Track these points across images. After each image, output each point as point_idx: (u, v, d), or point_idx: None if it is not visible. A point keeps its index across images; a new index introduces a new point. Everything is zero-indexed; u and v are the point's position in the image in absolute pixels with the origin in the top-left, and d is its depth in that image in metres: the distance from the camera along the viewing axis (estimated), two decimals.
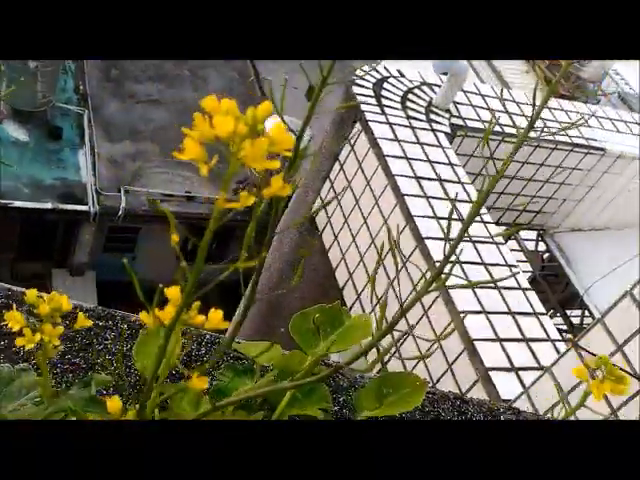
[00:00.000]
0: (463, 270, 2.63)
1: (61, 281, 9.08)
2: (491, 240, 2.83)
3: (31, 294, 0.57)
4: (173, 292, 0.48)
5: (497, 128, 3.59)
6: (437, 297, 2.56)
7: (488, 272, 2.78)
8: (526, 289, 2.82)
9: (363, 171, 3.19)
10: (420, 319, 2.63)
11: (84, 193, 8.19)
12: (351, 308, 3.23)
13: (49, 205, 7.87)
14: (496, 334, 2.48)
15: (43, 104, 8.68)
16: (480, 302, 2.53)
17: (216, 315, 0.48)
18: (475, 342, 2.37)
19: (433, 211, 2.91)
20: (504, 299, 2.61)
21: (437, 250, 2.71)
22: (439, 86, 3.53)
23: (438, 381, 2.56)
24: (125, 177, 8.81)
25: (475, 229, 2.92)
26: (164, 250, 10.04)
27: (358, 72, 3.46)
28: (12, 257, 8.82)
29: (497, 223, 3.96)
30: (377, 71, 3.52)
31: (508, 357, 2.36)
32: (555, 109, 4.06)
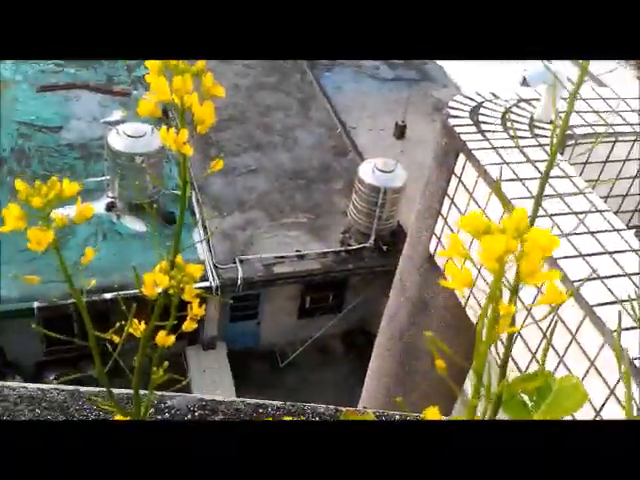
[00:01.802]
0: (606, 285, 2.48)
1: (195, 357, 9.44)
2: (629, 248, 2.66)
3: None
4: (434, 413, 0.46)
5: (607, 129, 3.42)
6: (584, 316, 2.42)
7: (632, 282, 2.61)
8: None
9: (476, 201, 3.12)
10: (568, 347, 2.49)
11: (204, 269, 8.55)
12: None
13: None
14: None
15: (154, 194, 9.24)
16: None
17: None
18: (636, 361, 2.21)
19: (559, 229, 2.78)
20: None
21: (570, 268, 2.58)
22: (537, 100, 3.43)
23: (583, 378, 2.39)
24: (238, 247, 9.13)
25: (609, 239, 2.76)
26: (285, 310, 10.24)
27: (452, 103, 3.44)
28: None
29: (627, 227, 3.74)
30: (470, 98, 3.47)
31: None
32: None
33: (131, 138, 8.82)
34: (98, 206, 9.39)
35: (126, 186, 9.14)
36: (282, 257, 9.19)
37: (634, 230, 3.84)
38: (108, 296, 7.85)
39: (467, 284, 0.40)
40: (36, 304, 7.77)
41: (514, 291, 0.41)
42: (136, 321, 0.60)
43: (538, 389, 0.56)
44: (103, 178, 9.50)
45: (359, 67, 13.80)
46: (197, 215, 9.23)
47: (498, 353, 0.48)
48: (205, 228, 9.05)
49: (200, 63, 0.57)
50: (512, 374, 0.62)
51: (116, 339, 0.61)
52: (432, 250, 3.56)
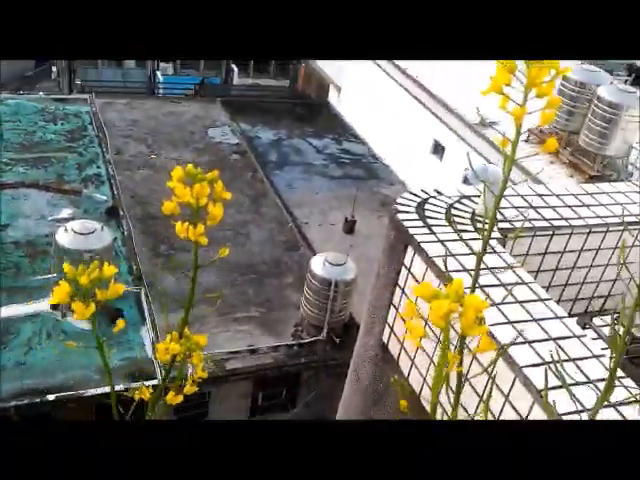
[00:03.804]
0: (553, 371, 2.57)
1: None
2: (572, 334, 2.78)
3: None
4: None
5: (545, 224, 3.63)
6: (533, 403, 2.49)
7: (577, 367, 2.71)
8: (620, 377, 2.72)
9: None
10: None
11: (152, 367, 8.34)
12: None
13: (121, 386, 8.01)
14: None
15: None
16: (580, 402, 2.44)
17: None
18: None
19: (505, 316, 2.89)
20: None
21: (516, 356, 2.67)
22: (478, 196, 3.64)
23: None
24: None
25: (552, 326, 2.88)
26: (237, 409, 9.97)
27: (399, 200, 3.61)
28: None
29: (569, 315, 3.89)
30: (416, 195, 3.66)
31: None
32: (584, 195, 4.11)
33: (80, 235, 8.78)
34: (43, 305, 9.16)
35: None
36: (234, 352, 9.07)
37: (576, 318, 4.00)
38: (51, 397, 7.53)
39: (420, 334, 0.47)
40: None
41: (460, 341, 0.49)
42: (144, 386, 0.65)
43: None
44: (49, 276, 9.33)
45: (309, 165, 14.27)
46: (146, 312, 9.10)
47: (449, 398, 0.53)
48: (154, 324, 8.90)
49: (213, 173, 0.65)
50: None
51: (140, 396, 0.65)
52: (385, 340, 3.62)
